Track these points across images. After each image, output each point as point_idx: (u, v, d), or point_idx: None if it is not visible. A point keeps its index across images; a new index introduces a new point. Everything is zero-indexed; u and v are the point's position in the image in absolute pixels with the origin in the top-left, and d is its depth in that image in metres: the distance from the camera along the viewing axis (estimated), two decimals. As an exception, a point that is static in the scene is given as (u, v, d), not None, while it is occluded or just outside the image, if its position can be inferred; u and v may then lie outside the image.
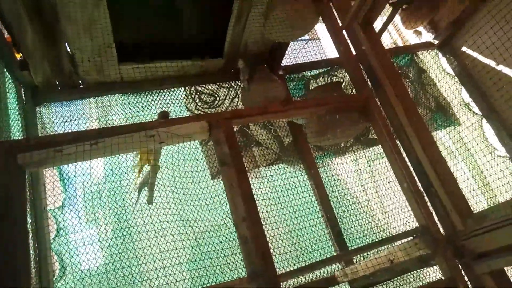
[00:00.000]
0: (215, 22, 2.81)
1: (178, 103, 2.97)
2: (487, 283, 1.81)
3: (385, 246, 2.27)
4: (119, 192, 2.38)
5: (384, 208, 2.68)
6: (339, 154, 3.08)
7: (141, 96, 2.90)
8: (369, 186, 2.86)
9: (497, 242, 1.73)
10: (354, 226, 2.67)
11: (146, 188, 2.37)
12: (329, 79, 3.29)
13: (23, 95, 2.55)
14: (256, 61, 3.06)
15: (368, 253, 2.35)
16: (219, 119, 1.99)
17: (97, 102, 2.80)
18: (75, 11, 2.27)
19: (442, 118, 3.29)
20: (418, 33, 3.63)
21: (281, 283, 2.09)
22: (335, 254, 2.63)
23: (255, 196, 1.83)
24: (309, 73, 3.32)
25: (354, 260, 2.48)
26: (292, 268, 2.28)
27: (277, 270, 1.78)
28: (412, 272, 2.21)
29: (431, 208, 2.04)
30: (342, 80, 3.26)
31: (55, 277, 2.18)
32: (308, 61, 3.36)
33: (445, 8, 3.19)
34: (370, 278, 2.18)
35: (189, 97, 3.01)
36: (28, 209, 1.91)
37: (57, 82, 2.66)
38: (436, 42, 3.43)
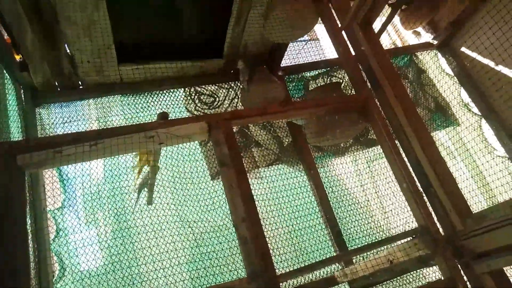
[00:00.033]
0: (215, 23, 2.81)
1: (177, 104, 2.97)
2: (486, 283, 1.81)
3: (385, 247, 2.27)
4: (118, 193, 2.38)
5: (383, 209, 2.68)
6: (339, 155, 3.08)
7: (141, 97, 2.90)
8: (369, 187, 2.86)
9: (497, 242, 1.73)
10: (354, 227, 2.67)
11: (145, 189, 2.37)
12: (328, 79, 3.29)
13: (22, 96, 2.55)
14: (256, 62, 3.06)
15: (368, 253, 2.35)
16: (219, 120, 1.99)
17: (97, 103, 2.80)
18: (75, 12, 2.27)
19: (441, 119, 3.29)
20: (417, 34, 3.63)
21: (281, 284, 2.09)
22: (334, 254, 2.63)
23: (254, 197, 1.83)
24: (308, 74, 3.32)
25: (354, 261, 2.48)
26: (291, 269, 2.28)
27: (277, 270, 1.79)
28: (411, 272, 2.21)
29: (430, 208, 2.05)
30: (341, 81, 3.26)
31: (55, 278, 2.18)
32: (307, 61, 3.36)
33: (444, 9, 3.20)
34: (369, 279, 2.18)
35: (189, 98, 3.01)
36: (27, 210, 1.92)
37: (56, 83, 2.66)
38: (435, 42, 3.43)
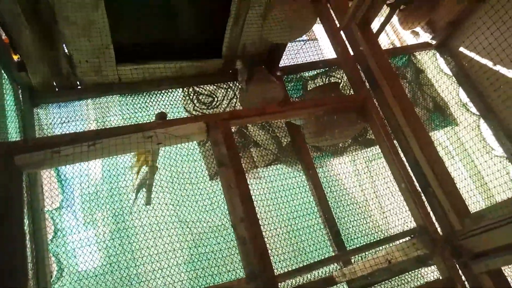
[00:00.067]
0: (214, 23, 2.81)
1: (176, 104, 2.97)
2: (484, 283, 1.82)
3: (383, 246, 2.28)
4: (117, 193, 2.38)
5: (382, 208, 2.69)
6: (337, 155, 3.08)
7: (139, 97, 2.90)
8: (367, 187, 2.87)
9: (495, 241, 1.74)
10: (352, 227, 2.68)
11: (144, 189, 2.36)
12: (327, 79, 3.29)
13: (20, 96, 2.54)
14: (254, 62, 3.06)
15: (366, 253, 2.35)
16: (217, 120, 1.99)
17: (95, 103, 2.80)
18: (73, 12, 2.27)
19: (439, 118, 3.30)
20: (416, 34, 3.64)
21: (279, 284, 2.09)
22: (333, 254, 2.63)
23: (253, 197, 1.83)
24: (307, 74, 3.32)
25: (352, 260, 2.48)
26: (290, 269, 2.28)
27: (275, 270, 1.79)
28: (410, 272, 2.21)
29: (428, 208, 2.05)
30: (340, 81, 3.26)
31: (53, 279, 2.17)
32: (306, 62, 3.36)
33: (442, 9, 3.21)
34: (368, 278, 2.18)
35: (187, 98, 3.01)
36: (25, 211, 1.91)
37: (54, 83, 2.66)
38: (433, 42, 3.44)
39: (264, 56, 3.15)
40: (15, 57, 2.41)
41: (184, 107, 2.97)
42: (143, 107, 2.87)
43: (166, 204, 2.35)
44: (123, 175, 2.41)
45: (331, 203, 2.79)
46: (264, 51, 3.11)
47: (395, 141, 2.22)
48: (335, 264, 2.52)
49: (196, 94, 3.04)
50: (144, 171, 2.38)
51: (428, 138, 2.13)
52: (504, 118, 2.98)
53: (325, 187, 2.84)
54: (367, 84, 2.46)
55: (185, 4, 2.70)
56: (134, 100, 2.88)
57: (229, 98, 3.11)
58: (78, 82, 2.75)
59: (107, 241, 2.26)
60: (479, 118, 3.16)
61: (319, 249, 2.59)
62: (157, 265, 2.13)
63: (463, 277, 1.86)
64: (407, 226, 2.26)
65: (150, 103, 2.90)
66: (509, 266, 1.96)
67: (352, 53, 2.54)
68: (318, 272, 2.36)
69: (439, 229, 2.00)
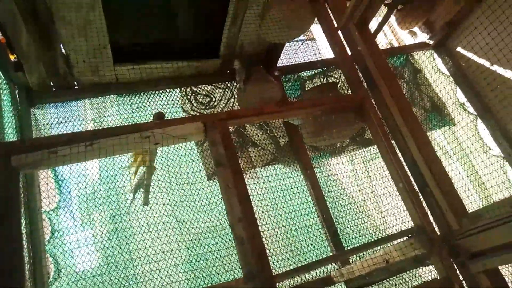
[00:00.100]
0: (211, 23, 2.81)
1: (173, 104, 2.96)
2: (482, 282, 1.82)
3: (381, 246, 2.27)
4: (114, 193, 2.38)
5: (379, 208, 2.69)
6: (335, 155, 3.08)
7: (136, 97, 2.89)
8: (365, 186, 2.87)
9: (492, 241, 1.74)
10: (350, 226, 2.68)
11: (141, 190, 2.36)
12: (324, 79, 3.29)
13: (17, 96, 2.53)
14: (252, 62, 3.06)
15: (364, 253, 2.35)
16: (215, 120, 1.99)
17: (92, 103, 2.79)
18: (70, 12, 2.26)
19: (437, 118, 3.31)
20: (413, 34, 3.64)
21: (277, 284, 2.09)
22: (331, 254, 2.63)
23: (251, 197, 1.83)
24: (305, 74, 3.32)
25: (350, 260, 2.48)
26: (288, 269, 2.27)
27: (273, 270, 1.78)
28: (407, 272, 2.21)
29: (426, 208, 2.05)
30: (337, 81, 3.26)
31: (50, 279, 2.16)
32: (304, 61, 3.36)
33: (440, 9, 3.21)
34: (366, 278, 2.18)
35: (185, 98, 3.00)
36: (22, 211, 1.90)
37: (51, 83, 2.65)
38: (431, 42, 3.44)
39: (262, 56, 3.15)
40: (12, 57, 2.41)
41: (182, 107, 2.97)
42: (141, 107, 2.86)
43: (164, 204, 2.35)
44: (121, 176, 2.41)
45: (329, 203, 2.79)
46: (262, 51, 3.11)
47: (392, 141, 2.22)
48: (333, 264, 2.52)
49: (194, 94, 3.03)
50: (141, 171, 2.38)
51: (426, 138, 2.14)
52: (501, 118, 2.99)
53: (323, 187, 2.85)
54: (365, 84, 2.46)
55: (183, 4, 2.70)
56: (131, 100, 2.87)
57: (227, 98, 3.10)
58: (75, 82, 2.74)
59: (105, 241, 2.25)
60: (477, 118, 3.17)
61: (317, 249, 2.59)
62: (155, 266, 2.13)
63: (460, 277, 1.87)
64: (404, 226, 2.27)
65: (148, 103, 2.90)
66: (506, 265, 1.96)
67: (350, 53, 2.54)
68: (316, 272, 2.35)
69: (436, 229, 2.00)
